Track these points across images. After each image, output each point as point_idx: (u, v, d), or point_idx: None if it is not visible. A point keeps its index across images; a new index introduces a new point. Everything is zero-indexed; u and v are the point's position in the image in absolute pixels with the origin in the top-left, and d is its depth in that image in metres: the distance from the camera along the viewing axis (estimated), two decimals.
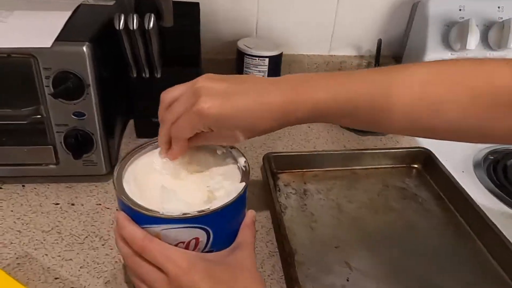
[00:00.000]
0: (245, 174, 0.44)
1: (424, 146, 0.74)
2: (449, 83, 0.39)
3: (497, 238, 0.56)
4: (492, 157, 0.81)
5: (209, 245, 0.41)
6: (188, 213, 0.38)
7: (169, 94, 0.42)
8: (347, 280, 0.52)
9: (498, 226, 0.57)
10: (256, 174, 0.70)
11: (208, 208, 0.38)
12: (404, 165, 0.74)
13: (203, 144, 0.44)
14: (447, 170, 0.69)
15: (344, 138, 0.82)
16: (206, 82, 0.40)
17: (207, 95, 0.38)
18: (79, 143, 0.58)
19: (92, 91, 0.56)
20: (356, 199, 0.66)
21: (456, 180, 0.66)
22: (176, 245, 0.39)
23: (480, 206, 0.61)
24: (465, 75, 0.39)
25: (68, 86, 0.53)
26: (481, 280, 0.54)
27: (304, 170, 0.71)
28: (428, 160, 0.72)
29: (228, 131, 0.40)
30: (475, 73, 0.39)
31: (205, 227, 0.39)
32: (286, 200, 0.65)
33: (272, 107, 0.39)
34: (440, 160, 0.71)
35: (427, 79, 0.40)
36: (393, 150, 0.74)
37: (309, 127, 0.85)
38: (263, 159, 0.68)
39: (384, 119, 0.41)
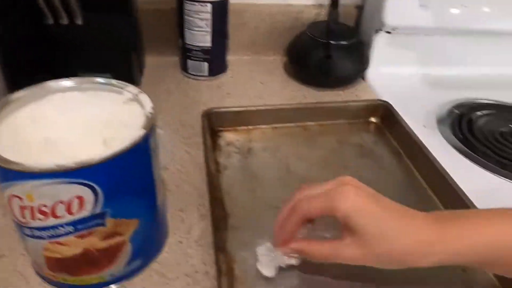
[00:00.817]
0: (148, 122, 0.36)
1: (384, 99, 0.68)
2: None
3: (457, 197, 0.50)
4: (457, 111, 0.74)
5: (99, 205, 0.33)
6: (62, 165, 0.30)
7: (306, 190, 0.39)
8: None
9: (459, 184, 0.51)
10: (198, 135, 0.62)
11: (91, 159, 0.31)
12: (362, 120, 0.67)
13: (317, 254, 0.38)
14: (406, 124, 0.62)
15: (300, 94, 0.75)
16: (354, 181, 0.37)
17: (358, 189, 0.36)
18: None
19: None
20: (307, 157, 0.59)
21: (415, 134, 0.60)
22: (54, 206, 0.32)
23: (440, 162, 0.54)
24: None
25: None
26: None
27: (250, 127, 0.64)
28: (386, 113, 0.66)
29: (369, 234, 0.34)
30: None
31: (89, 183, 0.31)
32: (226, 159, 0.58)
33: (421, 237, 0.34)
34: (401, 114, 0.64)
35: None
36: (350, 104, 0.67)
37: (262, 83, 0.77)
38: (202, 115, 0.60)
39: None
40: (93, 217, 0.34)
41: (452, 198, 0.50)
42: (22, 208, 0.32)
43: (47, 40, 0.61)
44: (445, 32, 0.77)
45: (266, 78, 0.79)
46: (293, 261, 0.40)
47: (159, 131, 0.62)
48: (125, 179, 0.34)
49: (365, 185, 0.37)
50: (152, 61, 0.80)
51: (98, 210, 0.33)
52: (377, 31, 0.76)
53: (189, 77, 0.77)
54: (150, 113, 0.37)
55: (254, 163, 0.57)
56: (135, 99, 0.39)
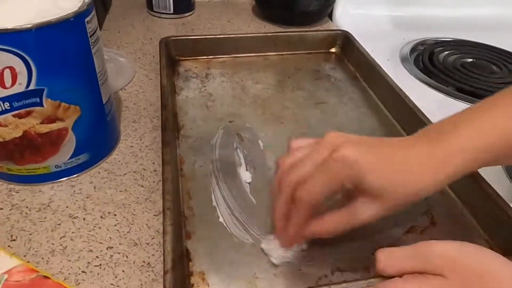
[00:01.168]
0: (84, 6, 0.36)
1: (345, 29, 0.68)
2: None
3: (414, 116, 0.50)
4: (421, 48, 0.76)
5: (33, 81, 0.34)
6: None
7: (288, 160, 0.33)
8: (236, 149, 0.47)
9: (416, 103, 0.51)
10: (156, 62, 0.63)
11: (19, 26, 0.31)
12: (322, 50, 0.68)
13: (335, 228, 0.32)
14: (365, 50, 0.63)
15: (265, 30, 0.75)
16: (336, 134, 0.32)
17: (350, 145, 0.30)
18: None
19: None
20: (264, 81, 0.60)
21: (372, 59, 0.61)
22: None
23: (400, 87, 0.55)
24: None
25: None
26: None
27: (210, 56, 0.64)
28: (346, 42, 0.66)
29: (380, 186, 0.30)
30: None
31: (18, 51, 0.32)
32: (183, 83, 0.58)
33: (424, 156, 0.30)
34: (366, 48, 0.64)
35: None
36: (310, 33, 0.68)
37: (228, 21, 0.77)
38: (159, 43, 0.60)
39: None
40: (28, 93, 0.34)
41: (409, 117, 0.51)
42: None
43: None
44: None
45: (233, 17, 0.79)
46: (304, 246, 0.36)
47: (121, 58, 0.63)
48: (59, 55, 0.34)
49: (351, 136, 0.32)
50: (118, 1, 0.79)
51: (32, 85, 0.34)
52: None
53: (154, 15, 0.77)
54: None
55: (210, 85, 0.58)
56: None
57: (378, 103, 0.57)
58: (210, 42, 0.64)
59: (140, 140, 0.48)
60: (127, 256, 0.35)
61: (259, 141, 0.48)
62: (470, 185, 0.40)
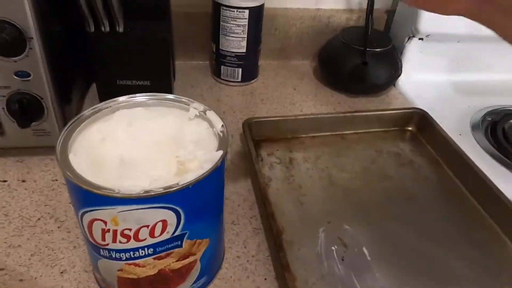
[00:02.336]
0: (223, 141, 0.36)
1: (417, 106, 0.68)
2: None
3: (502, 204, 0.50)
4: (489, 119, 0.75)
5: (180, 228, 0.33)
6: (151, 190, 0.30)
7: None
8: (342, 260, 0.46)
9: (503, 191, 0.51)
10: (236, 142, 0.62)
11: (177, 184, 0.31)
12: (398, 128, 0.68)
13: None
14: (444, 131, 0.63)
15: (333, 100, 0.75)
16: None
17: None
18: (24, 109, 0.49)
19: (36, 45, 0.46)
20: (348, 168, 0.59)
21: (454, 142, 0.60)
22: (138, 230, 0.32)
23: (481, 169, 0.55)
24: None
25: (3, 38, 0.43)
26: (487, 255, 0.48)
27: (290, 137, 0.64)
28: (423, 121, 0.66)
29: None
30: None
31: (174, 206, 0.31)
32: (270, 170, 0.58)
33: None
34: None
35: None
36: (386, 112, 0.67)
37: (294, 89, 0.77)
38: (243, 125, 0.60)
39: None
40: (173, 239, 0.34)
41: (495, 205, 0.51)
42: (104, 231, 0.32)
43: (88, 47, 0.60)
44: (477, 38, 0.78)
45: (298, 83, 0.79)
46: None
47: None
48: (204, 201, 0.34)
49: None
50: (182, 66, 0.79)
51: (177, 232, 0.33)
52: (410, 37, 0.77)
53: (222, 83, 0.76)
54: (222, 131, 0.37)
55: (297, 173, 0.58)
56: (202, 116, 0.39)
57: (471, 199, 0.56)
58: (290, 123, 0.64)
59: (245, 247, 0.47)
60: None
61: (364, 249, 0.48)
62: None
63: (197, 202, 0.33)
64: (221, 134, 0.37)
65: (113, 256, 0.34)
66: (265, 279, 0.44)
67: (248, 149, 0.57)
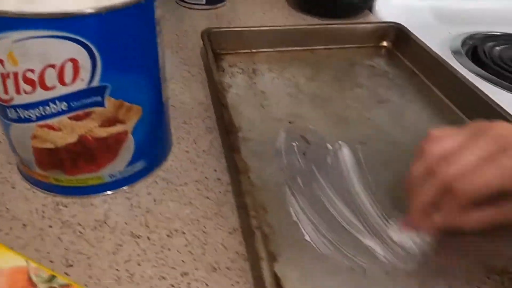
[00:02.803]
0: None
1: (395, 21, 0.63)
2: None
3: (484, 104, 0.46)
4: (470, 42, 0.71)
5: (97, 75, 0.28)
6: (50, 12, 0.25)
7: (436, 148, 0.30)
8: (304, 154, 0.42)
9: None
10: (196, 56, 0.57)
11: (83, 11, 0.25)
12: (372, 44, 0.63)
13: (479, 225, 0.31)
14: (422, 42, 0.58)
15: (305, 23, 0.70)
16: (507, 126, 0.29)
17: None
18: None
19: None
20: (317, 78, 0.54)
21: (436, 54, 0.55)
22: (43, 71, 0.26)
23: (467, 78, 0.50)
24: None
25: None
26: None
27: (255, 51, 0.59)
28: (399, 36, 0.61)
29: None
30: None
31: (83, 40, 0.26)
32: (230, 79, 0.53)
33: None
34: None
35: None
36: (360, 25, 0.62)
37: (264, 13, 0.72)
38: (202, 34, 0.55)
39: None
40: (90, 91, 0.29)
41: (476, 107, 0.47)
42: (4, 76, 0.27)
43: None
44: None
45: (268, 8, 0.74)
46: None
47: None
48: (126, 46, 0.29)
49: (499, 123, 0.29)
50: None
51: (96, 82, 0.28)
52: None
53: (185, 6, 0.71)
54: None
55: (260, 82, 0.53)
56: None
57: (447, 102, 0.51)
58: (255, 34, 0.58)
59: (195, 143, 0.42)
60: (207, 284, 0.29)
61: (327, 144, 0.43)
62: None
63: (115, 42, 0.28)
64: None
65: (22, 116, 0.29)
66: (215, 170, 0.39)
67: (207, 59, 0.52)
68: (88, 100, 0.29)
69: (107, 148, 0.32)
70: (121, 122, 0.32)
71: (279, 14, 0.72)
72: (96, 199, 0.35)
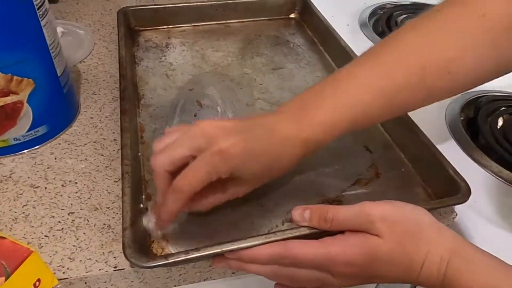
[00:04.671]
0: None
1: None
2: None
3: None
4: (381, 12, 0.77)
5: None
6: None
7: (160, 144, 0.33)
8: (195, 115, 0.49)
9: None
10: (115, 33, 0.63)
11: None
12: (282, 16, 0.69)
13: (211, 206, 0.35)
14: (322, 16, 0.64)
15: None
16: (211, 124, 0.32)
17: (224, 135, 0.31)
18: None
19: None
20: (223, 49, 0.61)
21: (331, 26, 0.62)
22: None
23: (351, 47, 0.57)
24: None
25: None
26: None
27: (170, 26, 0.64)
28: (305, 8, 0.67)
29: (251, 172, 0.33)
30: None
31: None
32: (143, 53, 0.59)
33: (290, 137, 0.34)
34: (326, 14, 0.65)
35: None
36: None
37: None
38: (117, 13, 0.60)
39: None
40: None
41: None
42: None
43: None
44: None
45: None
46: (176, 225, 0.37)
47: (80, 31, 0.63)
48: (7, 29, 0.35)
49: (225, 124, 0.33)
50: None
51: None
52: None
53: None
54: None
55: (170, 55, 0.59)
56: None
57: (334, 67, 0.59)
58: (170, 11, 0.64)
59: (100, 111, 0.49)
60: (88, 220, 0.37)
61: (218, 107, 0.50)
62: (411, 138, 0.43)
63: None
64: None
65: None
66: (113, 132, 0.46)
67: (122, 34, 0.57)
68: None
69: (5, 116, 0.39)
70: (14, 93, 0.38)
71: None
72: (5, 159, 0.41)
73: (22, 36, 0.37)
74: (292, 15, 0.69)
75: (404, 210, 0.31)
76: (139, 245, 0.33)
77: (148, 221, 0.35)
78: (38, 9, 0.37)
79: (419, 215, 0.30)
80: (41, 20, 0.38)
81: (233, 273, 0.37)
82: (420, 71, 0.33)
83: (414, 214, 0.30)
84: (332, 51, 0.60)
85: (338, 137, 0.35)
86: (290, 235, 0.33)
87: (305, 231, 0.33)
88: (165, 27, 0.64)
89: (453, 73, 0.34)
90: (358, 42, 0.64)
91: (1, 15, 0.34)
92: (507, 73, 0.36)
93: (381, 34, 0.70)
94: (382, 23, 0.72)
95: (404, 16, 0.74)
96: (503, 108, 0.54)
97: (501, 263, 0.29)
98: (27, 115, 0.40)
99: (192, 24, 0.65)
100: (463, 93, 0.57)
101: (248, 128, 0.33)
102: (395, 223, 0.30)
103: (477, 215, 0.41)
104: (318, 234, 0.32)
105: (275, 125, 0.34)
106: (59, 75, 0.42)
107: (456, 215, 0.40)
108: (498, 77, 0.36)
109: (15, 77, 0.37)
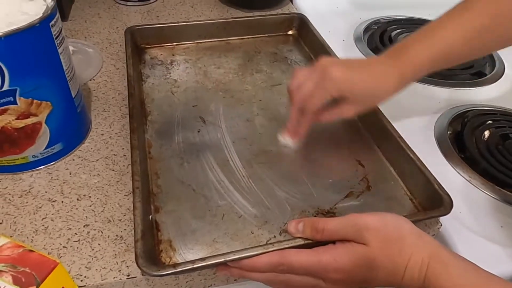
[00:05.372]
0: (47, 9, 0.40)
1: (301, 12, 0.73)
2: None
3: None
4: (375, 27, 0.80)
5: (6, 83, 0.38)
6: None
7: (295, 81, 0.46)
8: (198, 131, 0.52)
9: None
10: (123, 50, 0.66)
11: None
12: (281, 33, 0.72)
13: (332, 118, 0.46)
14: (318, 33, 0.67)
15: (228, 15, 0.79)
16: (328, 60, 0.45)
17: (335, 66, 0.44)
18: None
19: None
20: (224, 66, 0.64)
21: (326, 43, 0.65)
22: None
23: None
24: None
25: None
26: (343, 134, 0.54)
27: (175, 43, 0.68)
28: (302, 25, 0.71)
29: (358, 95, 0.44)
30: None
31: None
32: (150, 70, 0.62)
33: (388, 71, 0.44)
34: (321, 29, 0.69)
35: None
36: (267, 17, 0.72)
37: (192, 7, 0.80)
38: (125, 32, 0.64)
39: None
40: (2, 94, 0.38)
41: None
42: None
43: None
44: None
45: (196, 2, 0.82)
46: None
47: (89, 49, 0.66)
48: (28, 58, 0.38)
49: (336, 59, 0.51)
50: None
51: (6, 87, 0.38)
52: None
53: (120, 3, 0.79)
54: (50, 3, 0.41)
55: (175, 71, 0.62)
56: None
57: None
58: (174, 29, 0.67)
59: (110, 127, 0.52)
60: (102, 232, 0.40)
61: (220, 123, 0.53)
62: (400, 153, 0.46)
63: (19, 57, 0.38)
64: (48, 6, 0.41)
65: None
66: (123, 148, 0.49)
67: (130, 53, 0.61)
68: (2, 100, 0.39)
69: (26, 135, 0.42)
70: (34, 115, 0.42)
71: (206, 7, 0.81)
72: (24, 175, 0.45)
73: (42, 64, 0.40)
74: (290, 32, 0.72)
75: (386, 219, 0.34)
76: (149, 255, 0.37)
77: (285, 141, 0.50)
78: (56, 38, 0.41)
79: (400, 223, 0.34)
80: (59, 48, 0.42)
81: (235, 280, 0.40)
82: (495, 18, 0.43)
83: (395, 222, 0.34)
84: None
85: (426, 74, 0.46)
86: (286, 246, 0.36)
87: (300, 241, 0.36)
88: (169, 44, 0.68)
89: None
90: (352, 56, 0.67)
91: (24, 46, 0.37)
92: None
93: (375, 50, 0.73)
94: (376, 38, 0.75)
95: (398, 31, 0.77)
96: (489, 122, 0.58)
97: (476, 267, 0.32)
98: (45, 135, 0.44)
99: (195, 42, 0.69)
100: (451, 107, 0.61)
101: (355, 63, 0.46)
102: (379, 231, 0.33)
103: (461, 225, 0.44)
104: (312, 244, 0.36)
105: (377, 63, 0.46)
106: (73, 96, 0.46)
107: (441, 225, 0.43)
108: None
109: (35, 101, 0.41)
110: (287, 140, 0.50)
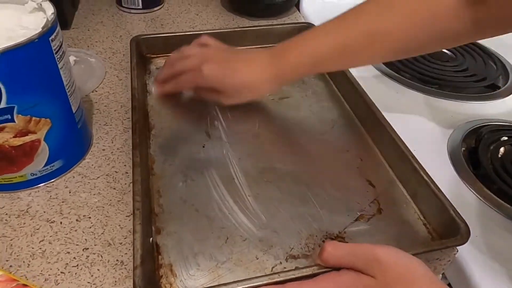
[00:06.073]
0: (47, 23, 0.38)
1: (308, 21, 0.71)
2: None
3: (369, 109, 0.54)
4: None
5: (3, 100, 0.36)
6: None
7: (177, 55, 0.54)
8: (203, 147, 0.50)
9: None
10: (127, 60, 0.65)
11: None
12: None
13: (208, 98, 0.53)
14: None
15: (233, 23, 0.77)
16: (203, 53, 0.52)
17: (207, 64, 0.49)
18: None
19: None
20: None
21: None
22: None
23: (355, 77, 0.58)
24: None
25: None
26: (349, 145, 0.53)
27: None
28: None
29: (229, 90, 0.50)
30: None
31: None
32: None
33: (264, 72, 0.49)
34: None
35: None
36: (276, 26, 0.70)
37: (197, 14, 0.79)
38: (130, 42, 0.62)
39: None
40: (0, 112, 0.37)
41: (365, 110, 0.54)
42: None
43: None
44: None
45: (202, 9, 0.81)
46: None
47: (91, 59, 0.65)
48: (26, 74, 0.37)
49: (212, 53, 0.53)
50: None
51: (3, 104, 0.36)
52: None
53: (124, 11, 0.78)
54: (50, 16, 0.39)
55: None
56: (40, 8, 0.41)
57: (339, 96, 0.60)
58: (180, 39, 0.65)
59: (112, 142, 0.50)
60: (102, 256, 0.38)
61: (224, 137, 0.52)
62: (413, 175, 0.44)
63: (17, 74, 0.36)
64: (49, 18, 0.39)
65: None
66: (125, 165, 0.47)
67: (135, 64, 0.59)
68: (0, 118, 0.37)
69: (24, 153, 0.41)
70: (33, 132, 0.40)
71: (211, 15, 0.79)
72: (22, 193, 0.43)
73: (41, 81, 0.39)
74: None
75: (398, 256, 0.32)
76: (149, 281, 0.35)
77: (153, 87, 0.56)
78: (56, 53, 0.39)
79: (414, 265, 0.32)
80: (59, 63, 0.40)
81: None
82: (368, 36, 0.44)
83: (409, 263, 0.32)
84: (337, 79, 0.62)
85: (301, 77, 0.56)
86: (292, 276, 0.34)
87: (307, 272, 0.35)
88: None
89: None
90: (361, 69, 0.65)
91: (22, 63, 0.36)
92: None
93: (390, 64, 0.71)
94: None
95: None
96: (505, 138, 0.56)
97: None
98: (43, 152, 0.42)
99: None
100: (465, 121, 0.59)
101: (231, 59, 0.51)
102: (389, 267, 0.31)
103: (477, 250, 0.42)
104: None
105: (255, 61, 0.49)
106: (74, 111, 0.44)
107: (457, 251, 0.41)
108: None
109: (33, 118, 0.39)
110: (153, 87, 0.57)
